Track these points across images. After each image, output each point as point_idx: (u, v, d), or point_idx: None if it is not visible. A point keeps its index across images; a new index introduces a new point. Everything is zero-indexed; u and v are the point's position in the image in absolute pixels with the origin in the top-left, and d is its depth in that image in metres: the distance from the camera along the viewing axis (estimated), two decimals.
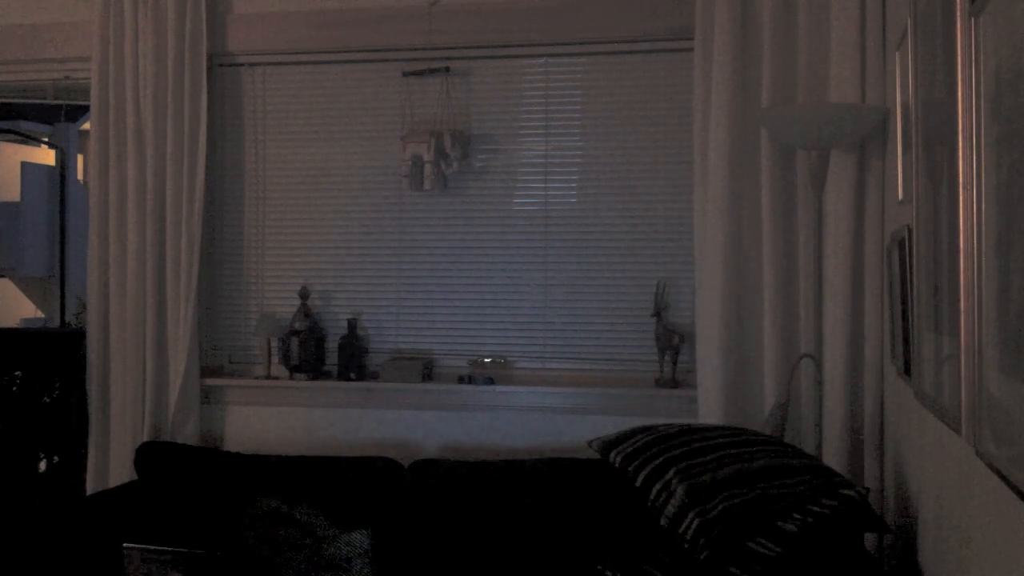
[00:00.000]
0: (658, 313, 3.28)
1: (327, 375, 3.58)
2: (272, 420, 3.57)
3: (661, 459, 2.23)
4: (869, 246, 2.98)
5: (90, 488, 3.60)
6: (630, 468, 2.28)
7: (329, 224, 3.62)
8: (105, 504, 3.23)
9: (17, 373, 3.56)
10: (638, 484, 2.23)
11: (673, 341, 3.26)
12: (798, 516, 2.05)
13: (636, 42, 3.36)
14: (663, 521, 2.13)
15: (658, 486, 2.18)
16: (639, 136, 3.39)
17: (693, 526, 2.06)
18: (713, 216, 3.09)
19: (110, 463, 3.56)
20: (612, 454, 2.36)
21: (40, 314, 5.75)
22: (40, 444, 3.50)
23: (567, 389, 3.37)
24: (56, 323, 5.05)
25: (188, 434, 3.51)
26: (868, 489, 2.21)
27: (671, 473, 2.17)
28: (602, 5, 3.32)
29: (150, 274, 3.51)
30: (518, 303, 3.49)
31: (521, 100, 3.50)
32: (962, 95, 1.39)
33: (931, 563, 2.02)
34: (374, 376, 3.54)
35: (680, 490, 2.12)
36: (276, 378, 3.58)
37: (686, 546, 2.07)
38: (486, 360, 3.49)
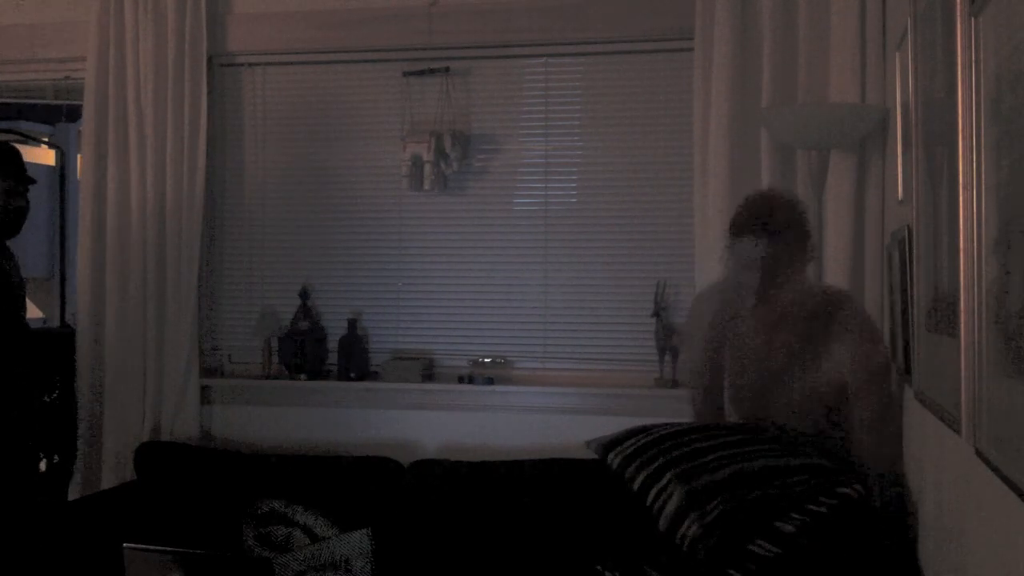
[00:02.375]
0: (658, 313, 3.28)
1: (327, 375, 3.57)
2: (272, 420, 3.56)
3: (660, 461, 2.23)
4: (869, 246, 2.98)
5: (78, 490, 3.58)
6: (628, 470, 2.28)
7: (329, 224, 3.62)
8: (105, 504, 3.23)
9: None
10: (637, 486, 2.23)
11: (673, 341, 3.26)
12: (796, 516, 2.05)
13: (636, 42, 3.36)
14: (662, 523, 2.13)
15: (656, 488, 2.18)
16: (639, 136, 3.39)
17: (692, 529, 2.06)
18: (713, 216, 3.09)
19: (106, 464, 3.55)
20: (610, 456, 2.36)
21: (40, 314, 5.75)
22: (40, 444, 3.50)
23: (567, 389, 3.37)
24: (56, 323, 5.04)
25: (188, 434, 3.51)
26: (867, 488, 2.21)
27: (669, 475, 2.17)
28: (602, 5, 3.32)
29: (150, 274, 3.51)
30: (518, 303, 3.48)
31: (521, 100, 3.50)
32: (962, 95, 1.39)
33: (931, 563, 2.02)
34: (374, 376, 3.54)
35: (678, 493, 2.12)
36: (276, 378, 3.58)
37: (685, 549, 2.07)
38: (486, 360, 3.49)
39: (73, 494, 3.61)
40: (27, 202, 3.18)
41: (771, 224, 2.32)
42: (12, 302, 3.16)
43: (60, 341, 3.70)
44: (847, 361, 2.33)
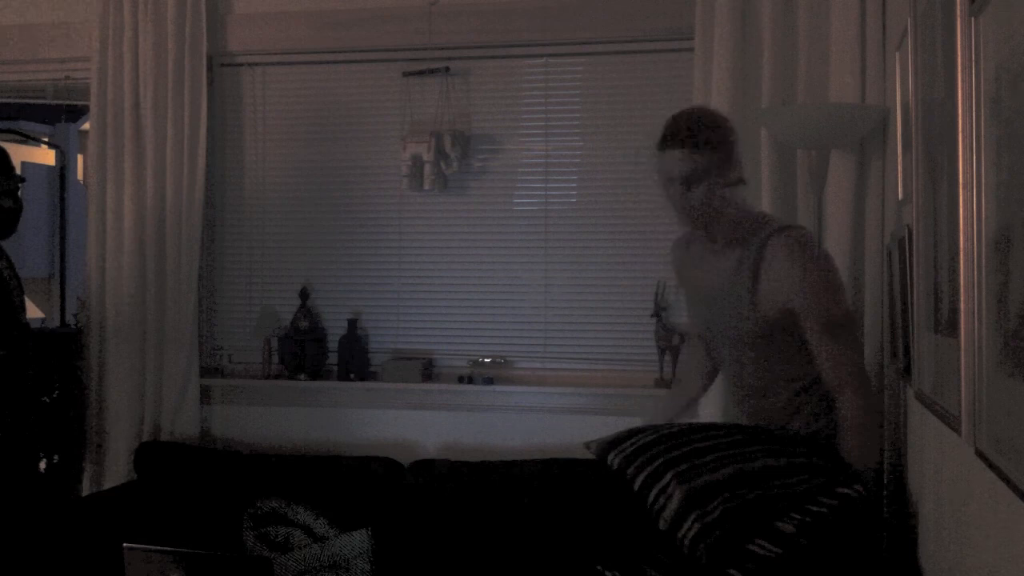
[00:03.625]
0: (658, 313, 3.28)
1: (327, 375, 3.57)
2: (272, 420, 3.57)
3: (660, 461, 2.23)
4: (869, 246, 2.98)
5: (86, 489, 3.59)
6: (629, 470, 2.27)
7: (329, 224, 3.62)
8: (105, 504, 3.24)
9: None
10: (637, 486, 2.22)
11: (673, 341, 3.26)
12: (796, 516, 2.05)
13: (636, 42, 3.36)
14: (662, 524, 2.13)
15: (656, 488, 2.17)
16: (639, 136, 3.39)
17: (692, 530, 2.06)
18: None
19: (107, 464, 3.55)
20: (610, 456, 2.36)
21: (40, 314, 5.75)
22: (40, 444, 3.50)
23: (567, 389, 3.37)
24: (56, 323, 5.04)
25: (188, 434, 3.51)
26: (867, 488, 2.21)
27: (669, 475, 2.17)
28: (602, 5, 3.32)
29: (150, 274, 3.51)
30: (518, 303, 3.48)
31: (521, 100, 3.50)
32: (962, 95, 1.39)
33: (931, 563, 2.02)
34: (374, 376, 3.54)
35: (678, 493, 2.12)
36: (276, 378, 3.58)
37: (685, 548, 2.07)
38: (486, 360, 3.49)
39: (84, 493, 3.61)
40: (19, 201, 3.18)
41: (692, 139, 2.27)
42: (9, 302, 3.15)
43: (60, 341, 3.70)
44: (786, 296, 2.26)
